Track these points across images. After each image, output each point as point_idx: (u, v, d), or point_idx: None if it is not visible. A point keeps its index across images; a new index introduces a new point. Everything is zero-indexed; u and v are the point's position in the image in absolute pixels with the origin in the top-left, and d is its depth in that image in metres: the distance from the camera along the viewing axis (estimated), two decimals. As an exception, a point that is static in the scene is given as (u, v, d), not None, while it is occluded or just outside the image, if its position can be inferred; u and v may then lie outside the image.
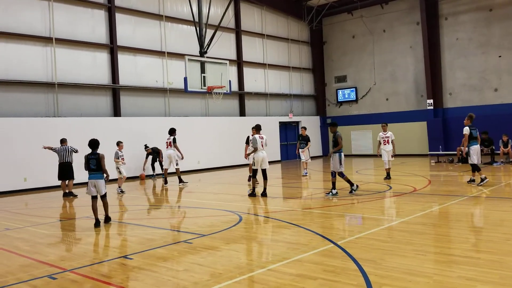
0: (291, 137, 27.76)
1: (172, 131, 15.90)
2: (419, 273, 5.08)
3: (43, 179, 16.43)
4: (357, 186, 11.65)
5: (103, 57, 19.32)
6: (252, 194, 12.13)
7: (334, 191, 11.41)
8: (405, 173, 16.31)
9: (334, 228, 7.85)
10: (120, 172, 14.11)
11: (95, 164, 8.80)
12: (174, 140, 15.69)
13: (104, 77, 19.26)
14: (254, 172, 12.49)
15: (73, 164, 14.26)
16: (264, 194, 11.93)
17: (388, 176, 14.39)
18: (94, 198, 9.00)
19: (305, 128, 17.65)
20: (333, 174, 11.55)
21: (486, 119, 22.37)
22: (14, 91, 16.66)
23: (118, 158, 14.07)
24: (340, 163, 11.36)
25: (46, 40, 17.46)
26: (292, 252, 6.29)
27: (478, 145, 12.30)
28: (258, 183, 13.27)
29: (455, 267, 5.32)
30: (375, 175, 16.60)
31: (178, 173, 15.93)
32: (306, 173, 17.28)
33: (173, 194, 13.95)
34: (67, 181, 14.24)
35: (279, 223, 8.49)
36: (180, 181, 15.77)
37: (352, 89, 28.25)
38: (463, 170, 16.76)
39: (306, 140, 17.18)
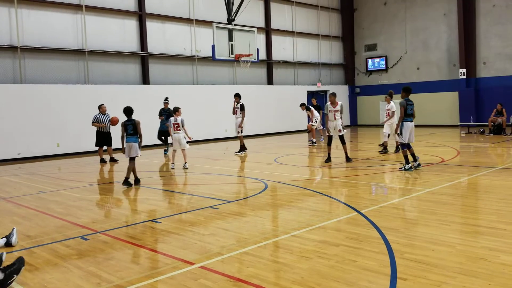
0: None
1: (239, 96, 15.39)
2: (442, 242, 5.08)
3: (75, 145, 16.93)
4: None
5: (132, 24, 19.43)
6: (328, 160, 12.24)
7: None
8: (433, 143, 16.07)
9: (358, 197, 7.87)
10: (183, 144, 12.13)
11: (132, 129, 9.59)
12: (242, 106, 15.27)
13: (133, 45, 19.42)
14: (329, 139, 12.33)
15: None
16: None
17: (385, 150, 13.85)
18: (130, 159, 9.79)
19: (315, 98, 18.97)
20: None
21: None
22: (47, 58, 17.01)
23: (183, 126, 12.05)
24: None
25: (76, 7, 17.64)
26: (316, 219, 6.37)
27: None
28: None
29: (479, 237, 5.30)
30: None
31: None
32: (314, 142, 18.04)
33: (201, 162, 14.16)
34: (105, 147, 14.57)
35: (304, 191, 8.57)
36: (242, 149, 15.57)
37: (382, 58, 27.68)
38: (494, 141, 16.39)
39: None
